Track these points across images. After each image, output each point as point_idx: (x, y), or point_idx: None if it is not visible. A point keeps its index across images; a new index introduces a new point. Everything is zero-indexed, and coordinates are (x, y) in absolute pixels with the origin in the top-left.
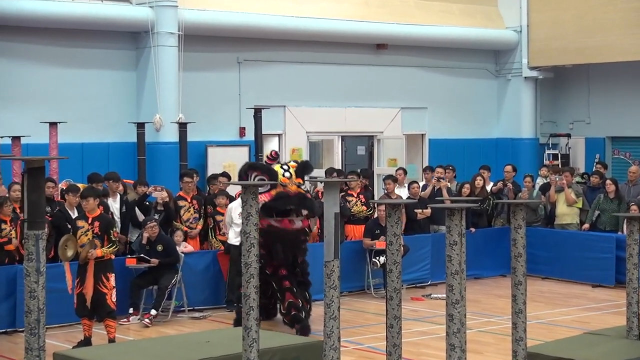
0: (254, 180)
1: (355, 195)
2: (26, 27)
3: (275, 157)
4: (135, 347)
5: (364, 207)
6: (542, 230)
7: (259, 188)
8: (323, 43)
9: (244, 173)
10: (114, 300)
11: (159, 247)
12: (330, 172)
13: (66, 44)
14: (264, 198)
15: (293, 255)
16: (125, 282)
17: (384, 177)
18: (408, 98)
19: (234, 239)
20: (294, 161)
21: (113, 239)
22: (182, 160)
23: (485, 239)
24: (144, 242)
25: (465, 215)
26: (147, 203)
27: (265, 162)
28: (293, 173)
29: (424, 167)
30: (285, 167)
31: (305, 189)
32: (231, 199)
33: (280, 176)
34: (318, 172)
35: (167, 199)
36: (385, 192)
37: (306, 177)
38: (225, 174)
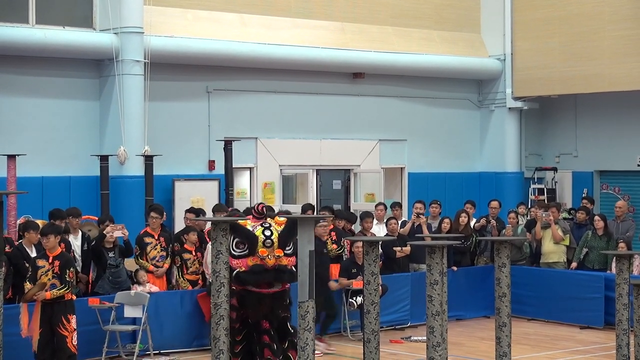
0: (233, 242)
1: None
2: None
3: (261, 212)
4: None
5: (334, 246)
6: (527, 269)
7: (237, 251)
8: (297, 72)
9: None
10: (75, 343)
11: None
12: (306, 208)
13: (25, 71)
14: (239, 263)
15: (274, 314)
16: (87, 324)
17: (360, 213)
18: (386, 130)
19: None
20: (285, 214)
21: (67, 279)
22: (148, 195)
23: (468, 278)
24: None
25: (447, 253)
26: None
27: (253, 213)
28: (275, 241)
29: (391, 203)
30: (267, 232)
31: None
32: (201, 236)
33: (259, 244)
34: (293, 208)
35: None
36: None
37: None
38: (192, 210)
